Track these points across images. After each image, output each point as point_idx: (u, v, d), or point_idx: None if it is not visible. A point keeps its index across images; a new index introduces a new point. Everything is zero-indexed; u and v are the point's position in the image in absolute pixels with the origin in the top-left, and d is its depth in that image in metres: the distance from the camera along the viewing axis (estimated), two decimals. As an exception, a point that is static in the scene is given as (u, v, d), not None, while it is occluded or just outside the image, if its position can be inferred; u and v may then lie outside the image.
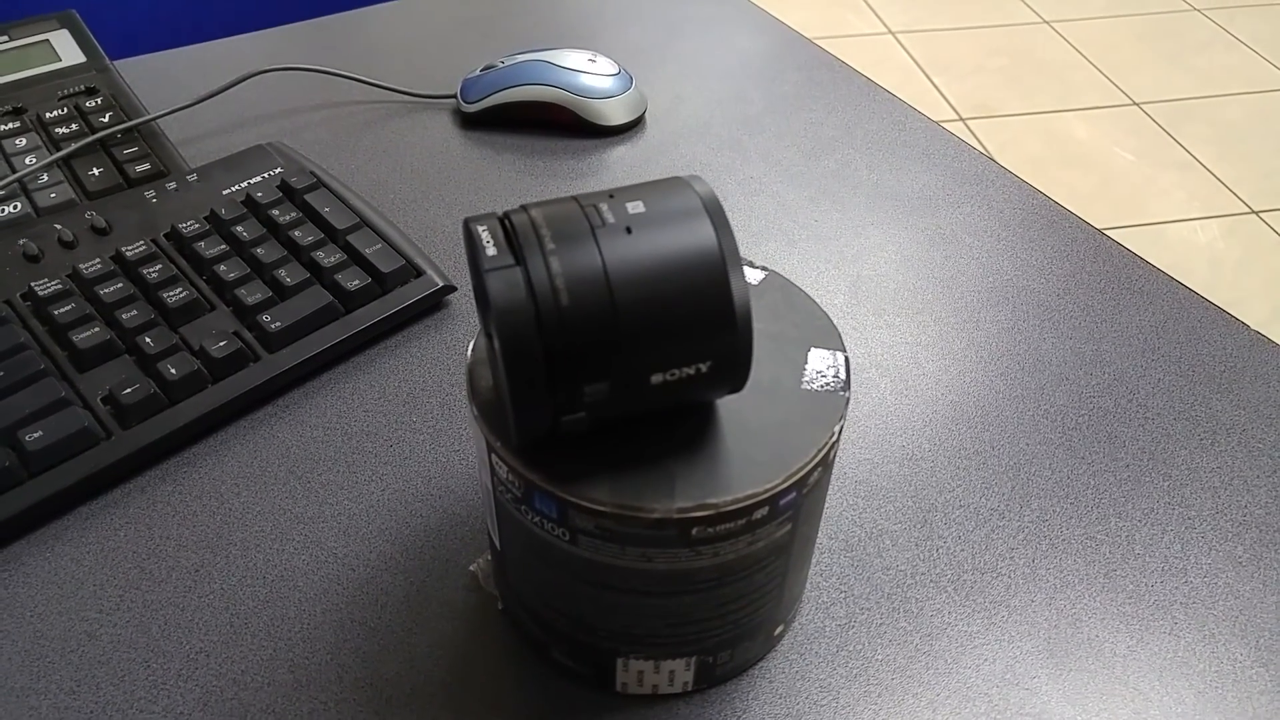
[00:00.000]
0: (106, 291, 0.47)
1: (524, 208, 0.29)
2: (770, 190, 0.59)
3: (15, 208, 0.54)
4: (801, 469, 0.30)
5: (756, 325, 0.34)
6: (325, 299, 0.48)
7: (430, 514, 0.42)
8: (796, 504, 0.31)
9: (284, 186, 0.54)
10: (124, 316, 0.46)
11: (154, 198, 0.54)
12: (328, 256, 0.50)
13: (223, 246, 0.50)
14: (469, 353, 0.33)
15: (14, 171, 0.57)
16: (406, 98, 0.67)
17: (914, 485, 0.43)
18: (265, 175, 0.55)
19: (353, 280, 0.49)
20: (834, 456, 0.32)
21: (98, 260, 0.49)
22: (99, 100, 0.62)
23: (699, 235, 0.28)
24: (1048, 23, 2.41)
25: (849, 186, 0.59)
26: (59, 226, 0.51)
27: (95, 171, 0.57)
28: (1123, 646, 0.37)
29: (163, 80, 0.68)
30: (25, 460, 0.41)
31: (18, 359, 0.44)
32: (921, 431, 0.45)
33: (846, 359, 0.33)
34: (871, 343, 0.49)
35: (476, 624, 0.38)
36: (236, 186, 0.54)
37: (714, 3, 0.78)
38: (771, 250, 0.55)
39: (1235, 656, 0.37)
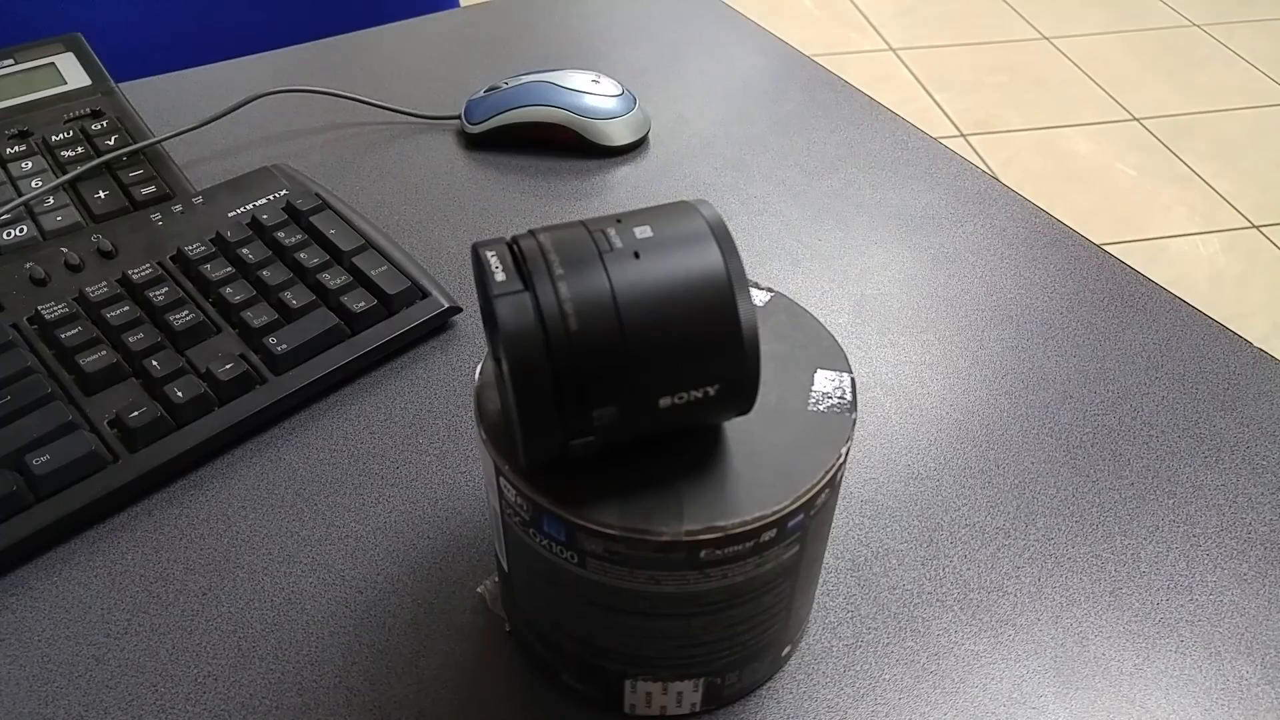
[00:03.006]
0: (113, 314, 0.47)
1: (532, 233, 0.29)
2: (774, 210, 0.59)
3: (22, 231, 0.55)
4: (809, 491, 0.30)
5: (763, 347, 0.34)
6: (331, 321, 0.48)
7: (437, 536, 0.42)
8: (804, 525, 0.31)
9: (289, 208, 0.54)
10: (130, 339, 0.46)
11: (160, 220, 0.54)
12: (333, 278, 0.50)
13: (228, 269, 0.50)
14: (477, 375, 0.34)
15: (20, 195, 0.57)
16: (411, 119, 0.67)
17: (920, 504, 0.43)
18: (270, 197, 0.56)
19: (359, 302, 0.49)
20: (841, 478, 0.32)
21: (104, 283, 0.49)
22: (104, 123, 0.62)
23: (706, 260, 0.28)
24: (1047, 39, 2.42)
25: (852, 205, 0.60)
26: (65, 250, 0.51)
27: (101, 194, 0.57)
28: (1129, 664, 0.37)
29: (168, 103, 0.69)
30: (32, 484, 0.41)
31: (25, 383, 0.44)
32: (927, 450, 0.45)
33: (852, 380, 0.33)
34: (876, 362, 0.50)
35: (484, 646, 0.38)
36: (242, 209, 0.55)
37: (716, 23, 0.78)
38: (776, 270, 0.55)
39: (1241, 674, 0.37)
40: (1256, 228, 1.85)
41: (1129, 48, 2.40)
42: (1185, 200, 1.91)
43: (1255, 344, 0.50)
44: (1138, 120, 2.13)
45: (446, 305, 0.50)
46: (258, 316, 0.48)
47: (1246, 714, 0.36)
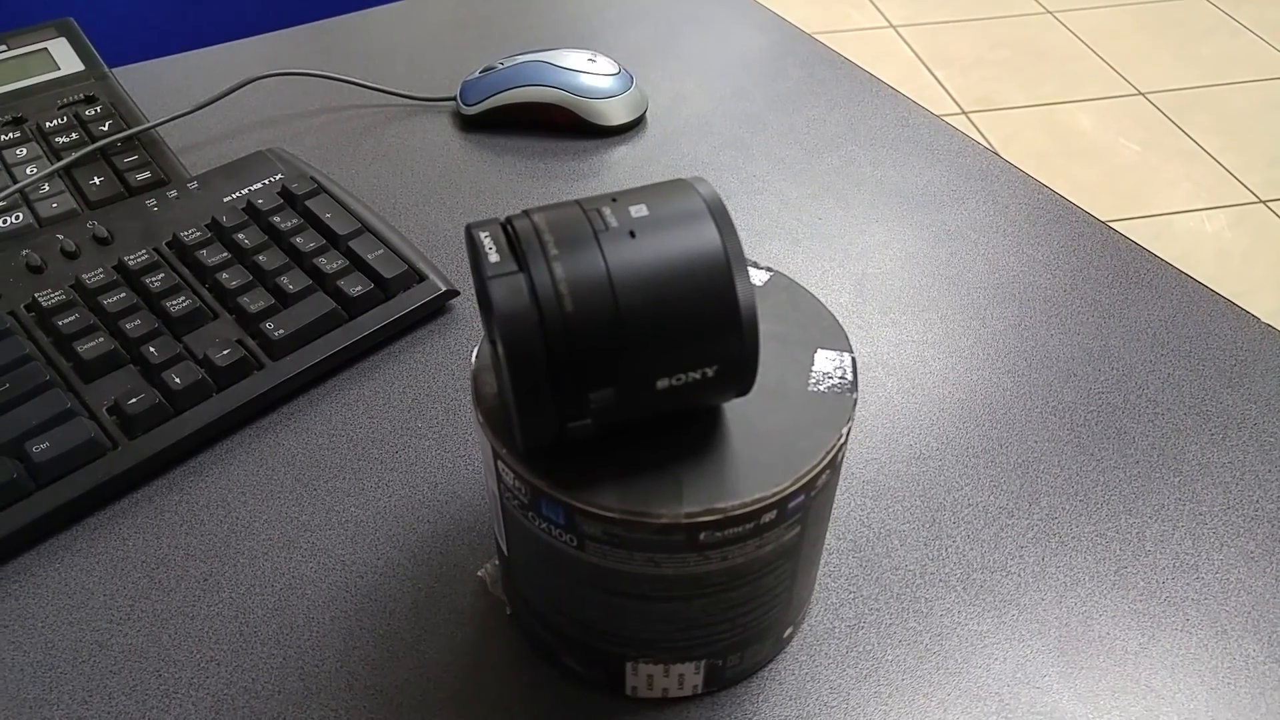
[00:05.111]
0: (110, 301, 0.47)
1: (526, 213, 0.29)
2: (773, 188, 0.59)
3: (17, 218, 0.54)
4: (810, 472, 0.30)
5: (762, 327, 0.34)
6: (328, 306, 0.48)
7: (437, 520, 0.41)
8: (805, 507, 0.31)
9: (285, 193, 0.54)
10: (128, 326, 0.46)
11: (155, 206, 0.54)
12: (330, 263, 0.49)
13: (225, 254, 0.50)
14: (473, 358, 0.33)
15: (15, 182, 0.57)
16: (406, 101, 0.67)
17: (922, 484, 0.43)
18: (266, 182, 0.55)
19: (355, 286, 0.48)
20: (842, 458, 0.32)
21: (100, 270, 0.49)
22: (98, 109, 0.62)
23: (703, 238, 0.28)
24: (1050, 12, 2.40)
25: (853, 183, 0.59)
26: (61, 237, 0.51)
27: (96, 181, 0.57)
28: (1134, 644, 0.37)
29: (162, 87, 0.68)
30: (32, 472, 0.41)
31: (23, 371, 0.44)
32: (929, 430, 0.45)
33: (853, 360, 0.33)
34: (877, 341, 0.49)
35: (485, 630, 0.38)
36: (237, 193, 0.54)
37: (714, 0, 0.78)
38: (775, 249, 0.55)
39: (1248, 652, 0.37)
40: (1263, 203, 1.84)
41: (1133, 21, 2.38)
42: (1191, 175, 1.90)
43: (1262, 320, 0.50)
44: (1142, 95, 2.12)
45: (444, 289, 0.50)
46: (254, 302, 0.47)
47: (1252, 692, 0.36)
